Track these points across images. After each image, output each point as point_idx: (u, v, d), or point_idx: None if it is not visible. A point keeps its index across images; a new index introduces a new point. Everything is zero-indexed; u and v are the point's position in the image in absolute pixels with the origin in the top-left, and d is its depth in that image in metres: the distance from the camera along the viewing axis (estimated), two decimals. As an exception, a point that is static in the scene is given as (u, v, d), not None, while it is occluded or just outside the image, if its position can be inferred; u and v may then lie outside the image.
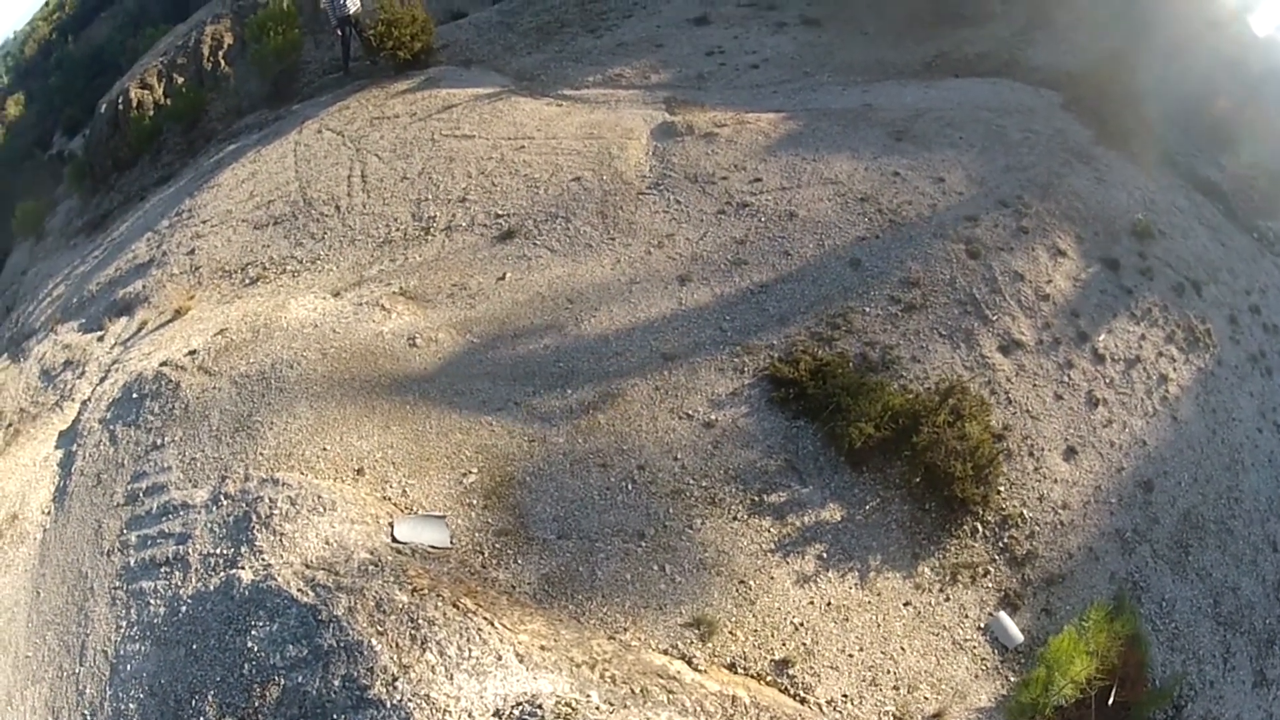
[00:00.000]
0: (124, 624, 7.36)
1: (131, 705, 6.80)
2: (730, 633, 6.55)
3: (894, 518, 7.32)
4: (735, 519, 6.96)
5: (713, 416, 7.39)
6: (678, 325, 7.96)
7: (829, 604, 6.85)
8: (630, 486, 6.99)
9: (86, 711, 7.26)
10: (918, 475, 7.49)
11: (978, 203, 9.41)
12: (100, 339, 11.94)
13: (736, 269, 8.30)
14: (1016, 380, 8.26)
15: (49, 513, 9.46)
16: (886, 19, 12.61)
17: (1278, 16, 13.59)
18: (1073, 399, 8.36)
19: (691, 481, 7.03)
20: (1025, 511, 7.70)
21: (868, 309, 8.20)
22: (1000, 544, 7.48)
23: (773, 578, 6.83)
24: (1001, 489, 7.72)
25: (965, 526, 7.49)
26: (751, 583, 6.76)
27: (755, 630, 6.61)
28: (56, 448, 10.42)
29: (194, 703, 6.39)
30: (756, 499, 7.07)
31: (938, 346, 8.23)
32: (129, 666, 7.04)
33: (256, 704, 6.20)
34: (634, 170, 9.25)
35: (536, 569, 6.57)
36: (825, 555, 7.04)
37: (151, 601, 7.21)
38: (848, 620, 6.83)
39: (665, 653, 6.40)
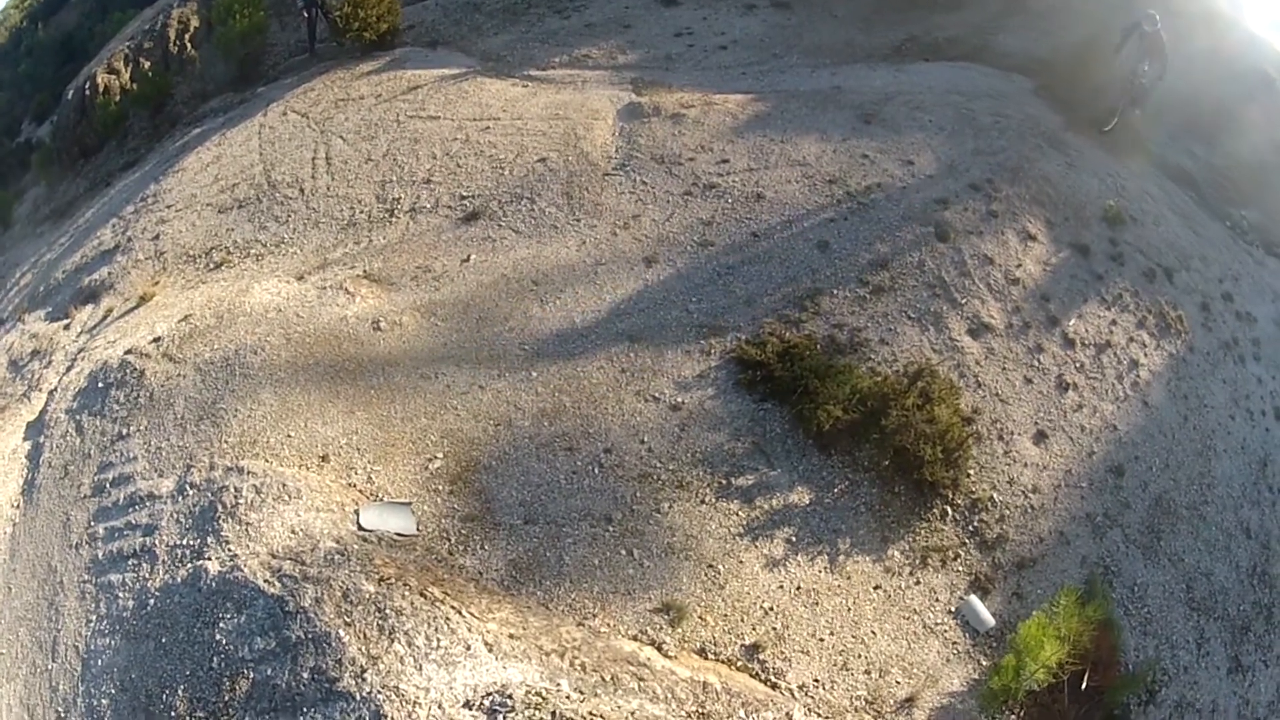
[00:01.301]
0: (94, 618, 7.25)
1: (104, 701, 6.70)
2: (700, 618, 6.46)
3: (863, 501, 7.27)
4: (703, 502, 6.86)
5: (679, 399, 7.28)
6: (644, 307, 7.86)
7: (799, 588, 6.78)
8: (597, 470, 6.86)
9: (60, 709, 7.14)
10: (887, 458, 7.48)
11: (947, 186, 9.36)
12: (66, 327, 11.71)
13: (703, 250, 8.19)
14: (986, 364, 8.24)
15: (18, 506, 9.28)
16: (856, 2, 12.48)
17: (1252, 10, 13.77)
18: (1043, 383, 8.37)
19: (659, 464, 6.93)
20: (995, 495, 7.70)
21: (836, 291, 8.13)
22: (970, 527, 7.48)
23: (742, 562, 6.75)
24: (971, 472, 7.71)
25: (935, 510, 7.50)
26: (720, 567, 6.67)
27: (725, 615, 6.54)
28: (24, 439, 10.22)
29: (165, 697, 6.29)
30: (724, 482, 6.99)
31: (906, 329, 8.20)
32: (100, 661, 6.93)
33: (226, 698, 6.09)
34: (600, 151, 9.12)
35: (504, 555, 6.45)
36: (794, 539, 6.97)
37: (120, 595, 7.09)
38: (818, 604, 6.78)
39: (635, 639, 6.31)
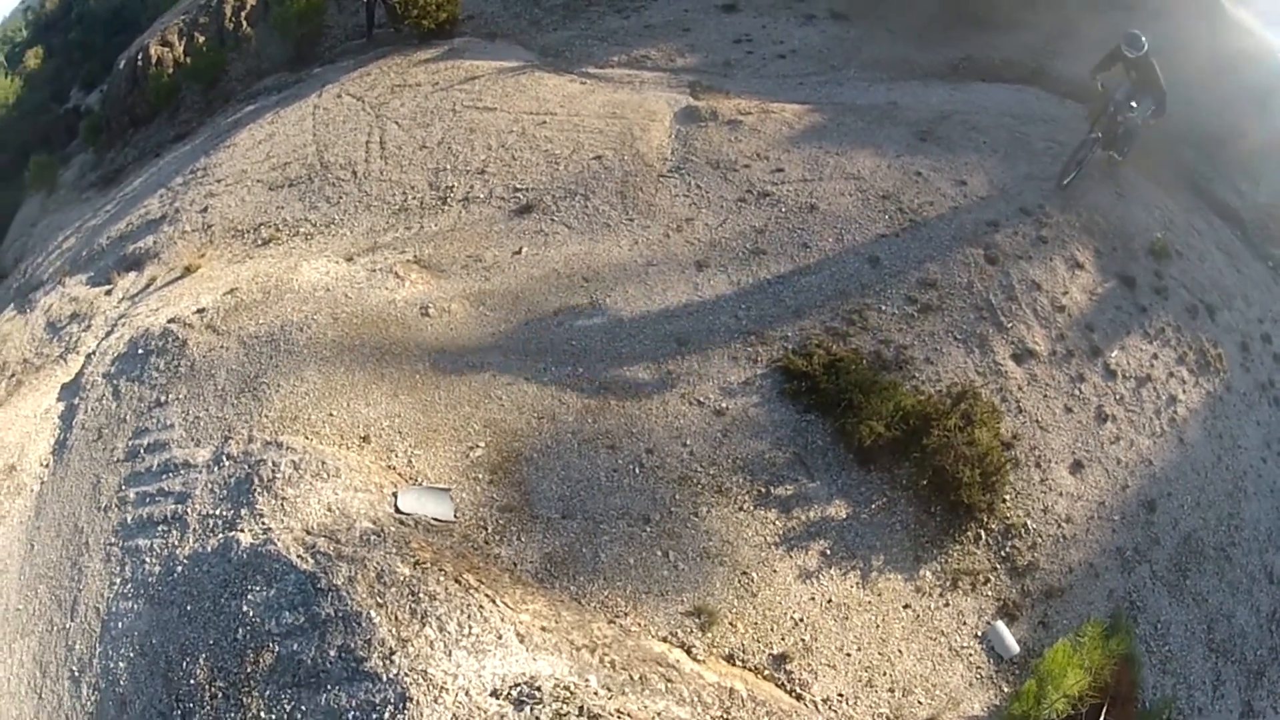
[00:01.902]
0: (118, 581, 7.20)
1: (121, 664, 6.66)
2: (730, 624, 6.41)
3: (899, 519, 7.18)
4: (741, 509, 6.81)
5: (724, 405, 7.23)
6: (693, 311, 7.80)
7: (830, 601, 6.71)
8: (638, 470, 6.82)
9: (75, 667, 7.09)
10: (925, 478, 7.38)
11: (999, 209, 9.25)
12: (108, 293, 11.71)
13: (755, 258, 8.13)
14: (1028, 390, 8.12)
15: (48, 465, 9.25)
16: (914, 18, 12.42)
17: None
18: (1082, 413, 8.23)
19: (699, 469, 6.88)
20: (1029, 522, 7.59)
21: (884, 307, 8.05)
22: (1002, 553, 7.37)
23: (775, 571, 6.70)
24: (1007, 498, 7.60)
25: (969, 533, 7.38)
26: (754, 575, 6.62)
27: (755, 623, 6.48)
28: (58, 400, 10.21)
29: (185, 665, 6.24)
30: (763, 490, 6.92)
31: (952, 350, 8.09)
32: (120, 624, 6.89)
33: (249, 669, 6.03)
34: (656, 152, 9.06)
35: (539, 548, 6.41)
36: (829, 552, 6.90)
37: (147, 560, 7.05)
38: (847, 619, 6.70)
39: (665, 640, 6.26)
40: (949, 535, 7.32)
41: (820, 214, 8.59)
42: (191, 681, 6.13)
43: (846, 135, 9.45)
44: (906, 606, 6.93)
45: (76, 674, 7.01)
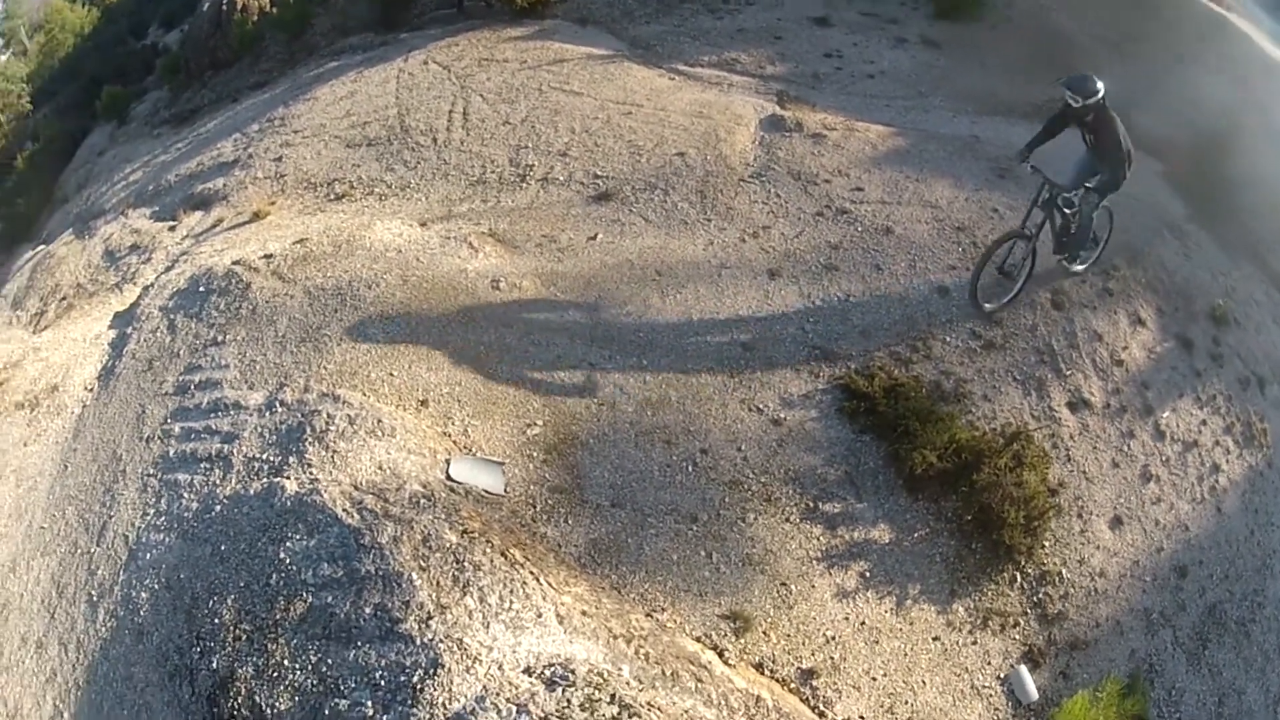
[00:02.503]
0: (151, 512, 7.10)
1: (144, 594, 6.56)
2: (764, 633, 6.30)
3: (939, 550, 7.04)
4: (788, 520, 6.68)
5: (782, 415, 7.09)
6: (761, 318, 7.66)
7: (862, 623, 6.58)
8: (691, 468, 6.69)
9: (94, 591, 6.99)
10: (970, 513, 7.21)
11: None
12: (171, 229, 11.59)
13: (827, 273, 7.98)
14: (1079, 439, 7.96)
15: (91, 390, 9.13)
16: (1004, 54, 12.15)
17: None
18: (1129, 469, 8.05)
19: (751, 475, 6.74)
20: (1064, 571, 7.44)
21: (949, 339, 7.88)
22: (1035, 598, 7.23)
23: (814, 586, 6.57)
24: (1046, 544, 7.43)
25: (1005, 574, 7.22)
26: (793, 587, 6.49)
27: (788, 635, 6.36)
28: (110, 328, 10.10)
29: (211, 603, 6.14)
30: (811, 505, 6.78)
31: (1010, 390, 7.93)
32: (149, 555, 6.78)
33: (278, 616, 5.91)
34: (738, 156, 8.91)
35: (586, 533, 6.30)
36: (868, 574, 6.77)
37: (185, 495, 6.95)
38: (878, 643, 6.57)
39: (699, 640, 6.15)
40: (985, 573, 7.16)
41: (895, 238, 8.40)
42: (216, 620, 6.02)
43: (928, 163, 9.24)
44: (936, 639, 6.78)
45: (95, 598, 6.92)
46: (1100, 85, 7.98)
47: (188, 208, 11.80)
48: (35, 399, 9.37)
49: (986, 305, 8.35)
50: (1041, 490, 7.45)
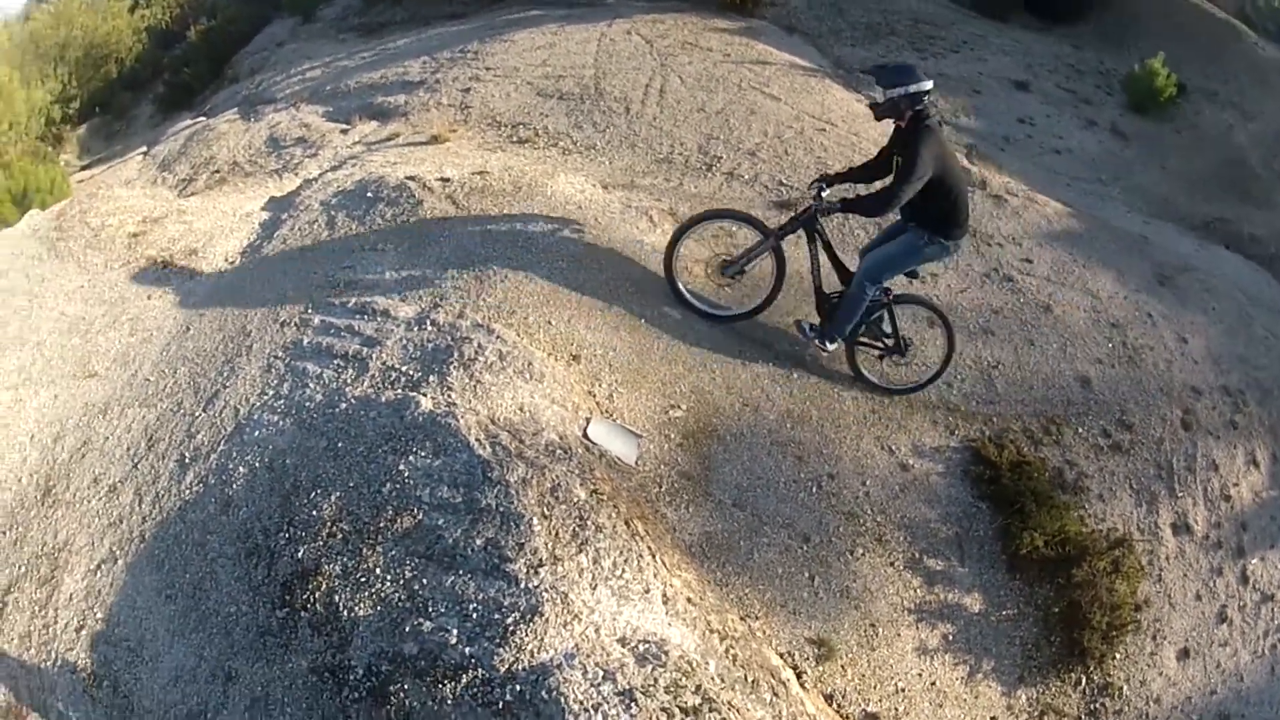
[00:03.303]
0: (270, 393, 6.71)
1: (241, 468, 6.21)
2: (843, 666, 5.90)
3: (1021, 634, 6.61)
4: (892, 565, 6.22)
5: (911, 461, 6.60)
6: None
7: (933, 684, 6.16)
8: (815, 489, 6.24)
9: (188, 453, 6.68)
10: (1059, 606, 6.75)
11: (1207, 378, 8.39)
12: (344, 132, 11.21)
13: (982, 335, 7.40)
14: (1174, 563, 7.40)
15: (232, 263, 8.80)
16: (1184, 162, 11.28)
17: None
18: (1209, 606, 7.52)
19: (870, 511, 6.29)
20: (1125, 689, 6.96)
21: (1080, 430, 7.31)
22: (1092, 706, 6.75)
23: (899, 634, 6.15)
24: (1118, 656, 6.89)
25: (1073, 674, 6.72)
26: (880, 630, 6.07)
27: (864, 675, 5.96)
28: (263, 209, 9.78)
29: (313, 495, 5.79)
30: (917, 556, 6.32)
31: (1124, 496, 7.41)
32: (257, 433, 6.40)
33: (382, 524, 5.54)
34: (921, 198, 8.20)
35: (703, 525, 5.90)
36: (950, 638, 6.31)
37: (311, 385, 6.55)
38: (940, 707, 6.20)
39: (782, 656, 5.72)
40: (1055, 669, 6.67)
41: (1053, 318, 7.77)
42: (314, 512, 5.69)
43: (1096, 251, 8.54)
44: (993, 719, 6.23)
45: (186, 459, 6.61)
46: (919, 80, 6.17)
47: (364, 115, 11.42)
48: (170, 257, 9.17)
49: (686, 292, 7.16)
50: (1129, 602, 6.96)
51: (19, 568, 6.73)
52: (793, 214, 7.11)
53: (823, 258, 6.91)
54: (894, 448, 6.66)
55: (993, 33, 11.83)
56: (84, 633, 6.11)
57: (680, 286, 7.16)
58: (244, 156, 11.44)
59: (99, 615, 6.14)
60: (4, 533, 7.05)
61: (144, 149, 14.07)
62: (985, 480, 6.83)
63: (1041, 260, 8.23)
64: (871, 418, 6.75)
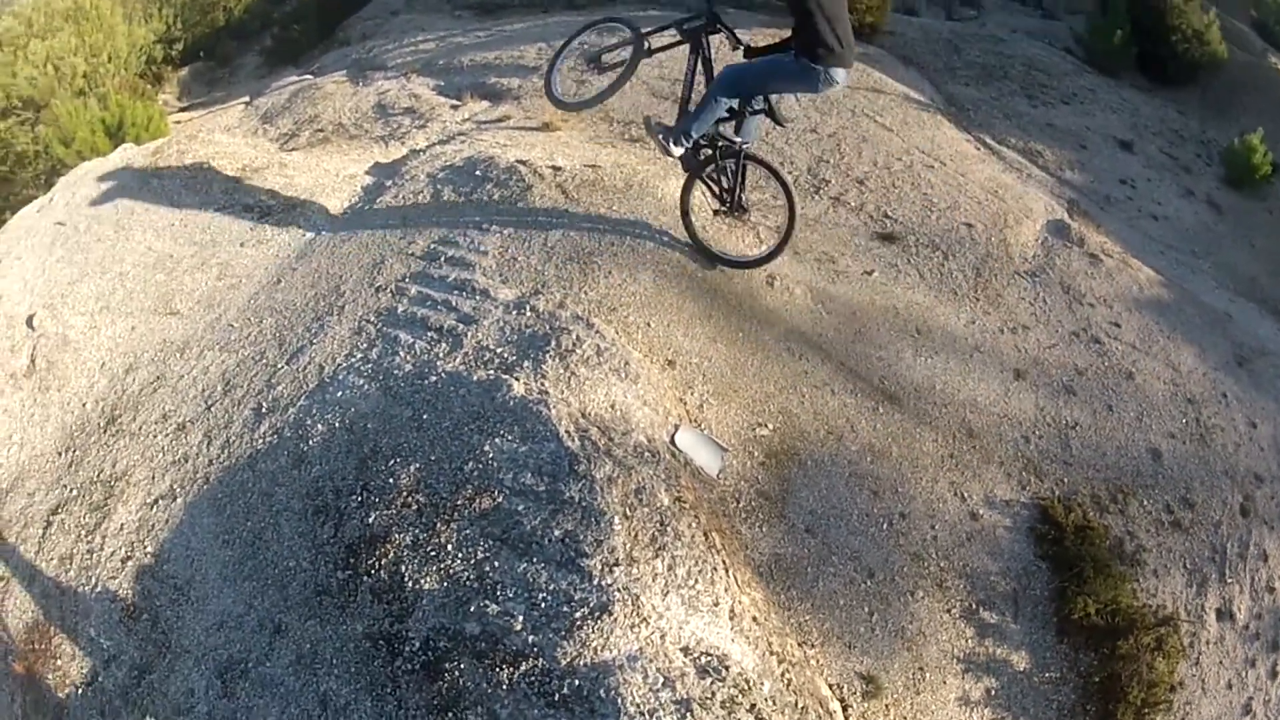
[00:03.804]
0: (359, 356, 6.47)
1: (320, 426, 5.98)
2: (887, 705, 5.74)
3: (1060, 699, 6.40)
4: (948, 611, 5.99)
5: (981, 511, 6.32)
6: (994, 412, 6.92)
7: (968, 734, 5.79)
8: (886, 526, 5.99)
9: (265, 403, 6.49)
10: (1100, 676, 6.42)
11: (1270, 468, 8.05)
12: (454, 108, 10.84)
13: (1064, 394, 7.08)
14: (1213, 648, 7.14)
15: (331, 221, 8.55)
16: (1273, 242, 10.64)
17: None
18: (1238, 696, 7.22)
19: (935, 556, 6.06)
20: (1151, 766, 6.52)
21: (1146, 503, 7.00)
22: (1116, 780, 6.37)
23: (945, 682, 5.95)
24: (1145, 732, 6.57)
25: (1100, 744, 6.37)
26: (927, 675, 5.86)
27: (904, 717, 5.66)
28: (367, 174, 9.48)
29: (391, 463, 5.57)
30: (973, 606, 6.09)
31: (1177, 574, 7.10)
32: (341, 393, 6.16)
33: (459, 502, 5.32)
34: (1019, 249, 7.93)
35: (774, 546, 5.70)
36: (993, 692, 6.11)
37: (401, 353, 6.31)
38: (973, 759, 5.79)
39: (832, 688, 5.46)
40: (1085, 736, 6.40)
41: (1134, 385, 7.41)
42: (390, 480, 5.48)
43: (1181, 324, 8.12)
44: (1021, 779, 6.02)
45: (262, 409, 6.42)
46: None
47: (475, 94, 11.06)
48: (268, 208, 8.93)
49: (558, 93, 7.11)
50: (1165, 681, 6.60)
51: (71, 490, 6.62)
52: (676, 24, 6.76)
53: (700, 78, 6.65)
54: (967, 495, 6.37)
55: (1103, 88, 11.25)
56: (130, 564, 6.00)
57: (554, 82, 7.12)
58: (350, 119, 11.21)
59: (149, 549, 6.01)
60: (60, 454, 6.94)
61: (246, 99, 13.90)
62: (1049, 540, 6.55)
63: (1129, 326, 7.83)
64: (949, 462, 6.46)
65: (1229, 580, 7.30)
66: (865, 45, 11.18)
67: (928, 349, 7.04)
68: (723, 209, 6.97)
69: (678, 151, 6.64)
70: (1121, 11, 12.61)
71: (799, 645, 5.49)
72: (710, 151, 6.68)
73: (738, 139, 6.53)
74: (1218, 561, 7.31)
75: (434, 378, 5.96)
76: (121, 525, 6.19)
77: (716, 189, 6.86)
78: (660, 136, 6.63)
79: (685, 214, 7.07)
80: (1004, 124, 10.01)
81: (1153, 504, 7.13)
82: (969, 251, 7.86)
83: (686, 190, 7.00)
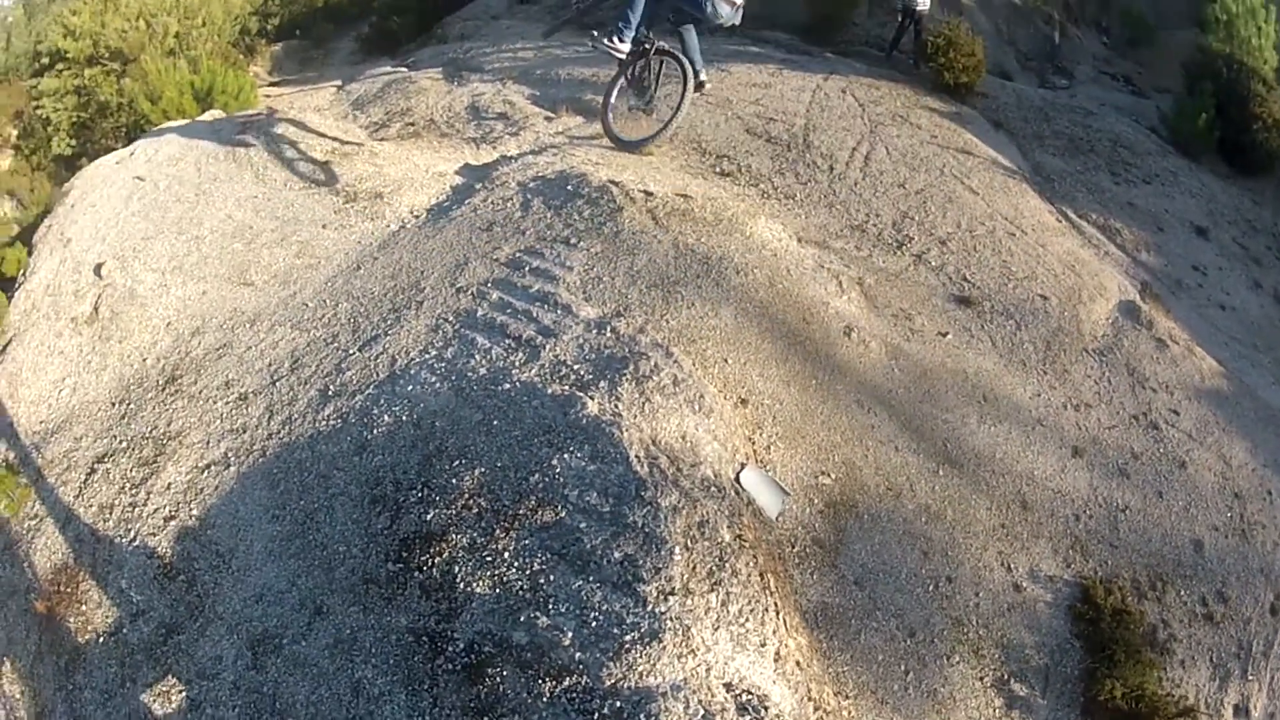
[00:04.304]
0: (433, 353, 6.23)
1: (386, 416, 5.76)
2: (910, 763, 5.36)
3: None
4: (980, 679, 5.80)
5: (1025, 584, 6.14)
6: (1050, 487, 6.70)
7: (985, 806, 5.62)
8: (932, 588, 5.82)
9: (332, 385, 6.27)
10: None
11: None
12: (549, 120, 10.56)
13: (1119, 477, 6.81)
14: None
15: (417, 216, 8.30)
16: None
17: None
18: None
19: (975, 623, 5.86)
20: None
21: (1182, 594, 6.71)
22: None
23: (964, 750, 5.57)
24: (1152, 823, 6.36)
25: (1109, 831, 6.20)
26: (950, 740, 5.51)
27: (926, 776, 5.42)
28: (456, 173, 9.21)
29: (456, 464, 5.33)
30: (1005, 677, 5.89)
31: (1203, 667, 6.85)
32: (411, 388, 5.92)
33: (520, 511, 5.10)
34: (1090, 326, 7.63)
35: (822, 594, 5.56)
36: (1013, 764, 5.73)
37: (477, 356, 6.05)
38: (987, 830, 5.63)
39: (860, 741, 5.27)
40: (1096, 822, 6.23)
41: (1186, 475, 7.13)
42: (453, 480, 5.27)
43: (1237, 418, 7.82)
44: None
45: (328, 391, 6.22)
46: None
47: (570, 108, 10.81)
48: (354, 193, 8.73)
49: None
50: (1180, 770, 6.38)
51: (120, 442, 6.47)
52: None
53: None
54: (1013, 566, 6.16)
55: (1184, 171, 10.79)
56: (173, 524, 5.84)
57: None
58: (442, 117, 11.04)
59: (194, 512, 5.85)
60: (114, 404, 6.82)
61: (339, 82, 13.74)
62: (1086, 620, 6.35)
63: (1187, 414, 7.53)
64: (1000, 531, 6.24)
65: (1250, 677, 7.00)
66: (959, 105, 11.04)
67: (992, 417, 6.84)
68: (639, 105, 8.46)
69: (625, 47, 7.84)
70: (1207, 95, 12.10)
71: (834, 694, 5.33)
72: (636, 49, 7.97)
73: (659, 42, 7.90)
74: (1242, 658, 7.01)
75: (508, 385, 5.78)
76: (169, 484, 6.00)
77: (639, 87, 8.24)
78: (605, 40, 7.78)
79: (606, 103, 8.58)
80: (1086, 198, 9.63)
81: (1189, 595, 6.85)
82: (1042, 324, 7.60)
83: (613, 82, 8.43)
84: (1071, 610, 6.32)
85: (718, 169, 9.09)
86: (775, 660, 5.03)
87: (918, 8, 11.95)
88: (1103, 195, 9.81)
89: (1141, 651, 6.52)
